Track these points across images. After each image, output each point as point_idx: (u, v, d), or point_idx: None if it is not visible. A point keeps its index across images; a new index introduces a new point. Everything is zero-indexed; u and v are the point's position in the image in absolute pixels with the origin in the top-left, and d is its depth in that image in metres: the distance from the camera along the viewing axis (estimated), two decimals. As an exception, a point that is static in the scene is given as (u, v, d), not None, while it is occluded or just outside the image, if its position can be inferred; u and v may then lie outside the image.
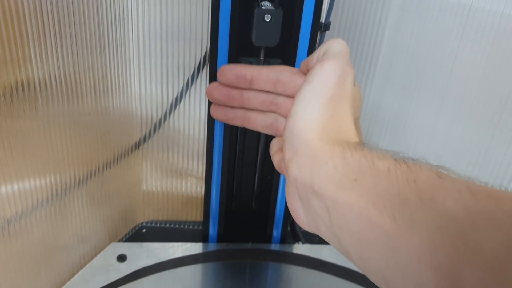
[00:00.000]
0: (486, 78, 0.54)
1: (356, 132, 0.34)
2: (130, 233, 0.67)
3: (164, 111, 0.62)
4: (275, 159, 0.40)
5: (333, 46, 0.36)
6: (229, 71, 0.42)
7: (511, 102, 0.53)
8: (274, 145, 0.41)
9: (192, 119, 0.63)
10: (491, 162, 0.57)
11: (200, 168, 0.68)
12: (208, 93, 0.44)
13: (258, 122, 0.43)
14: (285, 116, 0.39)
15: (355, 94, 0.35)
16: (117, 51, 0.57)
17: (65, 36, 0.50)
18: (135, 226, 0.69)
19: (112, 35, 0.56)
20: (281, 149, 0.38)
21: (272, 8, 0.45)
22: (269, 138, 0.56)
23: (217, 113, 0.45)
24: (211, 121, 0.53)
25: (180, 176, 0.68)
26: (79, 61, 0.52)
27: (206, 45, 0.59)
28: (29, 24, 0.46)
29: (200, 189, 0.70)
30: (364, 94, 0.63)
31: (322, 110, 0.32)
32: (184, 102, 0.61)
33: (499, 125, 0.55)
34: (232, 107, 0.44)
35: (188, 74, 0.61)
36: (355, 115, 0.35)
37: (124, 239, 0.66)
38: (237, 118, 0.44)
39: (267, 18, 0.45)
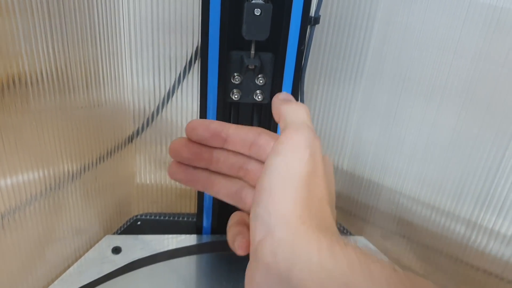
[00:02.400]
0: (475, 68, 0.55)
1: (332, 217, 0.30)
2: (125, 226, 0.68)
3: (156, 104, 0.62)
4: (231, 233, 0.34)
5: (296, 113, 0.33)
6: (203, 128, 0.36)
7: (500, 93, 0.54)
8: (233, 217, 0.36)
9: (184, 112, 0.64)
10: (480, 153, 0.59)
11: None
12: (173, 150, 0.36)
13: (221, 189, 0.37)
14: (253, 185, 0.35)
15: (327, 170, 0.32)
16: (108, 44, 0.57)
17: (56, 29, 0.50)
18: (130, 219, 0.70)
19: (104, 28, 0.56)
20: (242, 224, 0.34)
21: (262, 2, 0.46)
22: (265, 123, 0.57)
23: (178, 173, 0.37)
24: (203, 113, 0.54)
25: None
26: (70, 55, 0.53)
27: (197, 38, 0.59)
28: (19, 18, 0.46)
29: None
30: (354, 88, 0.64)
31: (301, 188, 0.29)
32: (177, 95, 0.62)
33: (488, 114, 0.56)
34: (195, 167, 0.37)
35: (180, 67, 0.61)
36: (331, 196, 0.32)
37: (119, 231, 0.67)
38: (200, 181, 0.37)
39: (257, 12, 0.46)
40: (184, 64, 0.61)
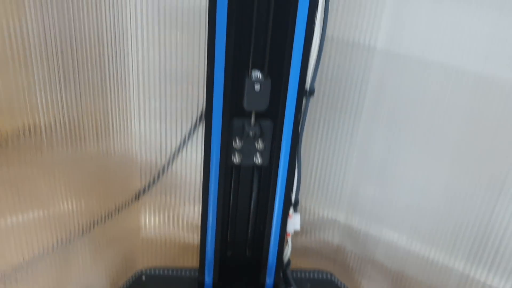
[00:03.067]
0: (465, 130, 0.59)
1: None
2: (130, 280, 0.70)
3: (162, 162, 0.66)
4: None
5: None
6: None
7: (494, 148, 0.58)
8: None
9: (189, 170, 0.67)
10: (472, 206, 0.61)
11: (196, 215, 0.72)
12: None
13: None
14: None
15: None
16: (118, 96, 0.61)
17: (69, 82, 0.54)
18: (135, 273, 0.72)
19: (113, 81, 0.60)
20: None
21: (262, 78, 0.51)
22: (261, 190, 0.60)
23: None
24: (206, 174, 0.58)
25: (177, 223, 0.72)
26: (82, 106, 0.56)
27: (203, 97, 0.63)
28: (35, 71, 0.50)
29: (197, 236, 0.73)
30: (350, 146, 0.68)
31: None
32: (182, 154, 0.66)
33: (479, 169, 0.59)
34: None
35: (186, 124, 0.65)
36: None
37: (125, 286, 0.69)
38: None
39: (257, 87, 0.51)
40: (190, 120, 0.65)
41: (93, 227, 0.64)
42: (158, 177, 0.66)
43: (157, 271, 0.73)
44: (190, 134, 0.64)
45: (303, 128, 0.55)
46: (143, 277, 0.71)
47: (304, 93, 0.52)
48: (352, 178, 0.70)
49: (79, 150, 0.58)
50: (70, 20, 0.52)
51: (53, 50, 0.51)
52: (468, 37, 0.55)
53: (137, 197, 0.67)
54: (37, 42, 0.50)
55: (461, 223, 0.62)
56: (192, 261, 0.75)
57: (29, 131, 0.52)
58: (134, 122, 0.65)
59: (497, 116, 0.56)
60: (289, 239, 0.64)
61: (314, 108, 0.65)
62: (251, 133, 0.55)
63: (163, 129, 0.66)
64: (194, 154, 0.68)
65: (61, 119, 0.54)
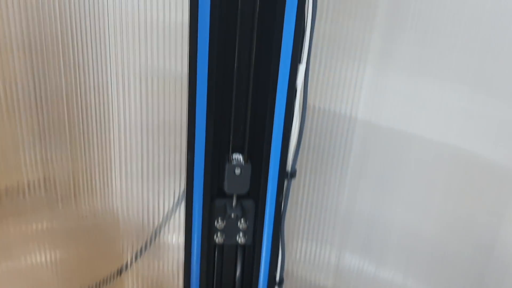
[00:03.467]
0: (449, 194, 0.59)
1: None
2: None
3: (145, 240, 0.65)
4: None
5: None
6: None
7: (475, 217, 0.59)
8: None
9: (171, 248, 0.66)
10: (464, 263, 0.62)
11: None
12: None
13: None
14: None
15: None
16: (98, 156, 0.60)
17: (45, 141, 0.53)
18: None
19: (94, 140, 0.59)
20: None
21: (242, 162, 0.50)
22: (245, 269, 0.59)
23: None
24: (188, 255, 0.56)
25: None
26: (58, 165, 0.55)
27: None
28: (10, 131, 0.49)
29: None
30: (333, 234, 0.68)
31: None
32: (164, 230, 0.64)
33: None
34: None
35: (170, 189, 0.64)
36: None
37: None
38: None
39: (237, 171, 0.50)
40: (175, 183, 0.64)
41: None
42: (141, 251, 0.64)
43: None
44: (173, 209, 0.63)
45: (286, 207, 0.55)
46: None
47: (285, 175, 0.52)
48: (338, 245, 0.69)
49: (57, 211, 0.56)
50: (51, 75, 0.52)
51: (32, 107, 0.51)
52: (444, 111, 0.57)
53: (120, 272, 0.65)
54: (16, 99, 0.49)
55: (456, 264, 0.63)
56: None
57: (6, 192, 0.50)
58: (116, 181, 0.63)
59: (477, 189, 0.57)
60: (275, 316, 0.62)
61: (296, 187, 0.65)
62: (232, 214, 0.54)
63: (145, 187, 0.65)
64: (177, 235, 0.67)
65: (39, 178, 0.53)
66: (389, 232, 0.65)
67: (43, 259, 0.57)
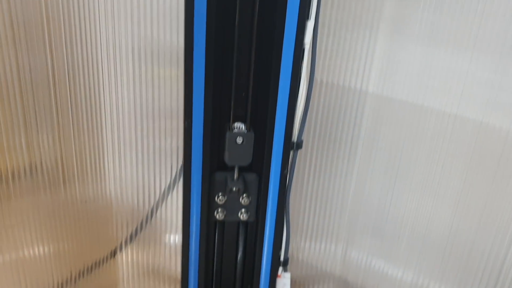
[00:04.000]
0: (467, 170, 0.56)
1: None
2: None
3: (140, 212, 0.62)
4: None
5: None
6: None
7: (495, 194, 0.55)
8: None
9: (168, 226, 0.63)
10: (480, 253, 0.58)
11: (177, 269, 0.67)
12: None
13: None
14: None
15: None
16: (90, 139, 0.57)
17: (36, 123, 0.50)
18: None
19: (85, 122, 0.56)
20: None
21: (244, 130, 0.47)
22: (247, 248, 0.56)
23: None
24: (186, 232, 0.54)
25: (157, 280, 0.68)
26: (46, 150, 0.53)
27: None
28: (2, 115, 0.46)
29: (179, 292, 0.69)
30: (342, 204, 0.65)
31: None
32: (161, 208, 0.62)
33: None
34: None
35: (163, 173, 0.61)
36: None
37: None
38: None
39: (239, 140, 0.47)
40: (169, 162, 0.61)
41: (63, 287, 0.59)
42: (136, 232, 0.62)
43: (134, 336, 0.68)
44: (169, 187, 0.60)
45: (291, 181, 0.51)
46: None
47: (291, 146, 0.49)
48: (346, 229, 0.66)
49: (47, 197, 0.54)
50: (36, 58, 0.49)
51: (16, 91, 0.48)
52: (464, 82, 0.53)
53: (113, 254, 0.63)
54: (4, 83, 0.46)
55: (471, 260, 0.59)
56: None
57: None
58: (108, 165, 0.60)
59: (502, 169, 0.54)
60: (279, 299, 0.59)
61: (304, 155, 0.62)
62: (234, 188, 0.51)
63: (139, 171, 0.62)
64: (175, 202, 0.64)
65: (25, 164, 0.51)
66: (401, 213, 0.62)
67: (32, 244, 0.55)
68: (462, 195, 0.57)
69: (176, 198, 0.63)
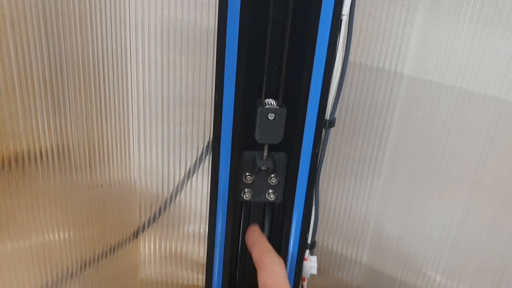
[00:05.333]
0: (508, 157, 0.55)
1: None
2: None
3: (164, 194, 0.62)
4: None
5: None
6: None
7: None
8: None
9: (193, 207, 0.63)
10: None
11: (201, 254, 0.67)
12: None
13: None
14: None
15: None
16: (116, 124, 0.58)
17: (59, 107, 0.51)
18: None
19: (111, 105, 0.56)
20: None
21: (276, 107, 0.47)
22: (273, 229, 0.56)
23: None
24: (212, 212, 0.54)
25: (180, 262, 0.68)
26: (74, 132, 0.53)
27: (210, 125, 0.60)
28: (26, 96, 0.47)
29: (201, 276, 0.69)
30: (371, 189, 0.64)
31: None
32: (185, 190, 0.62)
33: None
34: None
35: (189, 157, 0.62)
36: None
37: (119, 331, 0.65)
38: None
39: (271, 117, 0.47)
40: (195, 147, 0.61)
41: (86, 267, 0.60)
42: (159, 213, 0.62)
43: (156, 318, 0.68)
44: (195, 165, 0.60)
45: (322, 162, 0.51)
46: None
47: (323, 124, 0.48)
48: (375, 214, 0.65)
49: (71, 179, 0.55)
50: (64, 41, 0.49)
51: (46, 74, 0.49)
52: (508, 65, 0.51)
53: (136, 234, 0.63)
54: (28, 65, 0.47)
55: (506, 262, 0.58)
56: (196, 305, 0.70)
57: (10, 160, 0.49)
58: (134, 150, 0.61)
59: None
60: (305, 284, 0.59)
61: (334, 139, 0.61)
62: (263, 168, 0.51)
63: (165, 157, 0.62)
64: (200, 185, 0.64)
65: (48, 147, 0.51)
66: (433, 201, 0.61)
67: (58, 226, 0.55)
68: (500, 189, 0.56)
69: (202, 180, 0.63)
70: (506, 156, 0.54)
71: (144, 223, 0.63)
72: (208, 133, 0.61)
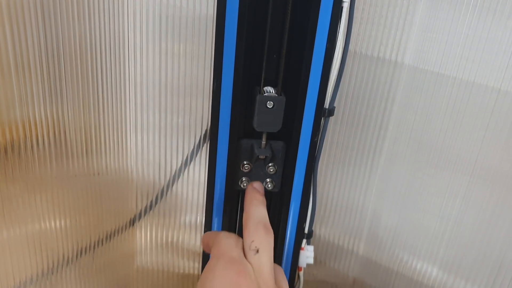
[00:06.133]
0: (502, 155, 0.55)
1: None
2: (122, 313, 0.67)
3: (161, 182, 0.62)
4: None
5: None
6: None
7: None
8: None
9: (190, 196, 0.63)
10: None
11: (197, 243, 0.68)
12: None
13: None
14: None
15: None
16: (113, 111, 0.58)
17: (56, 94, 0.51)
18: (128, 304, 0.68)
19: (108, 94, 0.56)
20: None
21: (275, 94, 0.46)
22: (271, 219, 0.56)
23: None
24: (210, 201, 0.54)
25: (176, 250, 0.68)
26: (70, 119, 0.53)
27: (207, 120, 0.60)
28: (22, 83, 0.47)
29: (198, 265, 0.69)
30: (369, 180, 0.64)
31: None
32: (182, 178, 0.62)
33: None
34: None
35: (186, 145, 0.62)
36: None
37: (115, 319, 0.66)
38: None
39: (269, 105, 0.46)
40: (192, 135, 0.61)
41: (82, 254, 0.60)
42: (156, 201, 0.62)
43: (152, 306, 0.69)
44: (193, 154, 0.60)
45: (320, 151, 0.51)
46: (137, 312, 0.67)
47: (322, 113, 0.48)
48: (373, 205, 0.65)
49: (67, 167, 0.55)
50: (61, 28, 0.49)
51: (43, 61, 0.48)
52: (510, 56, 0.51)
53: (132, 222, 0.63)
54: (25, 52, 0.47)
55: (505, 256, 0.58)
56: (192, 293, 0.71)
57: (12, 146, 0.49)
58: (131, 139, 0.61)
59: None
60: (301, 273, 0.59)
61: (333, 128, 0.61)
62: (261, 156, 0.51)
63: (162, 146, 0.62)
64: (197, 173, 0.64)
65: (45, 134, 0.51)
66: (430, 192, 0.61)
67: (54, 213, 0.55)
68: (500, 175, 0.56)
69: (199, 169, 0.63)
70: (506, 148, 0.54)
71: (141, 211, 0.63)
72: (205, 122, 0.60)
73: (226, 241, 0.44)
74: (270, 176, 0.52)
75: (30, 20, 0.46)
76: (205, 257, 0.58)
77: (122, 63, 0.56)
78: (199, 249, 0.68)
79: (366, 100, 0.59)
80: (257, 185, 0.51)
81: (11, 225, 0.52)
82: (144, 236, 0.66)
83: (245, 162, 0.52)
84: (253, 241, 0.43)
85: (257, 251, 0.42)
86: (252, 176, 0.52)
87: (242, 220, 0.56)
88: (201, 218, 0.66)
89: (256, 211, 0.47)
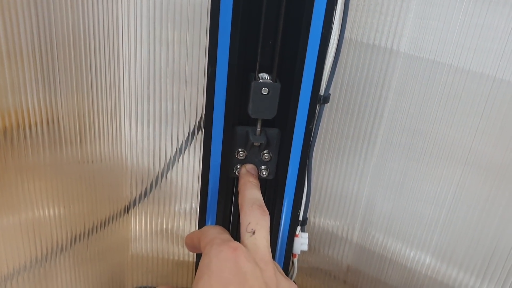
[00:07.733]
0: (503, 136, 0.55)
1: None
2: (116, 299, 0.67)
3: (155, 169, 0.63)
4: None
5: None
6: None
7: None
8: None
9: (185, 183, 0.63)
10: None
11: (193, 229, 0.68)
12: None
13: None
14: None
15: None
16: (107, 99, 0.57)
17: (48, 81, 0.50)
18: (122, 291, 0.68)
19: (102, 81, 0.56)
20: None
21: (270, 81, 0.46)
22: (266, 206, 0.57)
23: None
24: (204, 188, 0.54)
25: (171, 237, 0.69)
26: (64, 106, 0.53)
27: (202, 107, 0.60)
28: (14, 69, 0.47)
29: (192, 253, 0.70)
30: (364, 167, 0.65)
31: None
32: (177, 165, 0.62)
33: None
34: None
35: (181, 133, 0.62)
36: None
37: (110, 306, 0.66)
38: None
39: (265, 91, 0.46)
40: (187, 123, 0.61)
41: (76, 241, 0.60)
42: (151, 188, 0.62)
43: (147, 293, 0.69)
44: (187, 141, 0.60)
45: (315, 138, 0.51)
46: (131, 299, 0.67)
47: (317, 100, 0.48)
48: (367, 192, 0.66)
49: (61, 154, 0.55)
50: (54, 14, 0.48)
51: (35, 47, 0.48)
52: (507, 44, 0.51)
53: (127, 209, 0.63)
54: (17, 38, 0.46)
55: (501, 242, 0.59)
56: (187, 280, 0.71)
57: (4, 133, 0.48)
58: (125, 126, 0.61)
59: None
60: (295, 260, 0.60)
61: (328, 116, 0.61)
62: (256, 144, 0.51)
63: (157, 133, 0.62)
64: (192, 160, 0.64)
65: (38, 121, 0.51)
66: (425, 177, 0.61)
67: (48, 200, 0.55)
68: (494, 167, 0.56)
69: (194, 156, 0.63)
70: (500, 136, 0.55)
71: (135, 198, 0.63)
72: (200, 110, 0.60)
73: (213, 229, 0.46)
74: (265, 163, 0.53)
75: (22, 6, 0.46)
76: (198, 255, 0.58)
77: (116, 50, 0.56)
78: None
79: (361, 88, 0.59)
80: (250, 167, 0.52)
81: (4, 212, 0.52)
82: (139, 223, 0.67)
83: (239, 149, 0.52)
84: (249, 223, 0.43)
85: (253, 232, 0.43)
86: (247, 163, 0.53)
87: (236, 209, 0.56)
88: (195, 205, 0.67)
89: (250, 193, 0.48)
